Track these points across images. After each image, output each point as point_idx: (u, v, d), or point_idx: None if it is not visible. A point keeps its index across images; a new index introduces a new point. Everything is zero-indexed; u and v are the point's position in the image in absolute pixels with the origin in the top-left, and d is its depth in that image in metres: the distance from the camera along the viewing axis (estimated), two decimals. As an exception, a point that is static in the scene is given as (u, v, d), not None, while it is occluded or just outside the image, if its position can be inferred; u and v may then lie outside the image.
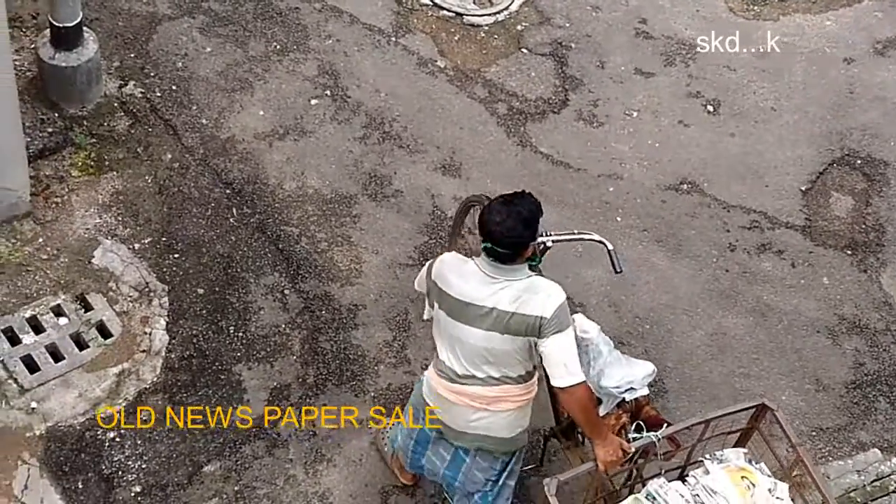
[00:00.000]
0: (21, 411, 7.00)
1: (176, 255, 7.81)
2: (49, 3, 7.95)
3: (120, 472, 6.88)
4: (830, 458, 7.57)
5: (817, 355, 8.03)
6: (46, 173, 7.98)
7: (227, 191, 8.18)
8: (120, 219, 7.89)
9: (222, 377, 7.33)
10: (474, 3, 9.70)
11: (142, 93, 8.57)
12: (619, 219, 8.50)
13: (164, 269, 7.73)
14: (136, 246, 7.80)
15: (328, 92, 8.85)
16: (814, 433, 7.66)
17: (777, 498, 6.14)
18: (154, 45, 8.88)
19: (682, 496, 6.14)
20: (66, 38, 8.03)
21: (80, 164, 8.09)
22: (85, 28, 8.16)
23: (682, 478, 6.36)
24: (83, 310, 7.46)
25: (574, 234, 6.98)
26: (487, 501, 6.50)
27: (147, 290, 7.61)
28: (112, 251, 7.73)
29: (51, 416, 7.01)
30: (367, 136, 8.65)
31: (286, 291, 7.77)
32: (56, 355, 7.27)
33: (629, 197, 8.65)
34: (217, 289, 7.71)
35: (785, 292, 8.31)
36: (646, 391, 6.50)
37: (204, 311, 7.59)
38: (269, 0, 9.35)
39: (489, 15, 9.64)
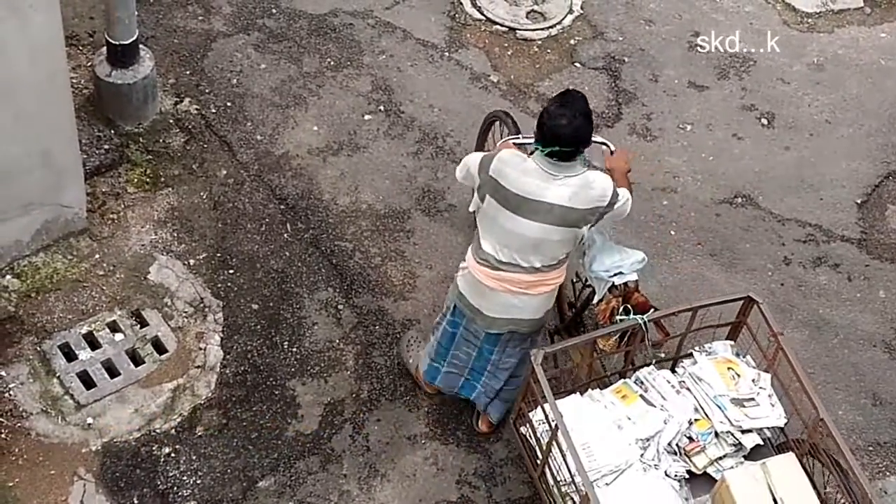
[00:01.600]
0: (77, 427, 7.05)
1: (231, 271, 7.85)
2: (105, 22, 8.02)
3: (175, 488, 6.93)
4: (888, 474, 7.50)
5: (874, 369, 7.96)
6: (103, 190, 8.06)
7: (282, 206, 8.22)
8: (175, 235, 7.95)
9: (276, 392, 7.36)
10: (527, 17, 9.70)
11: (197, 109, 8.64)
12: (672, 232, 8.47)
13: (219, 285, 7.78)
14: (192, 262, 7.85)
15: (382, 107, 8.88)
16: (871, 448, 7.60)
17: (760, 387, 6.53)
18: (209, 62, 8.96)
19: (669, 382, 6.57)
20: (122, 56, 8.10)
21: (135, 180, 8.15)
22: (141, 46, 8.23)
23: (673, 369, 6.76)
24: (139, 325, 7.51)
25: None
26: (516, 385, 6.87)
27: (202, 305, 7.66)
28: (167, 267, 7.78)
29: (106, 432, 7.07)
30: (421, 150, 8.67)
31: (340, 307, 7.79)
32: (112, 371, 7.32)
33: (683, 210, 8.61)
34: (271, 304, 7.75)
35: (841, 306, 8.25)
36: (634, 277, 6.78)
37: (258, 327, 7.63)
38: (323, 17, 9.40)
39: (542, 29, 9.64)
